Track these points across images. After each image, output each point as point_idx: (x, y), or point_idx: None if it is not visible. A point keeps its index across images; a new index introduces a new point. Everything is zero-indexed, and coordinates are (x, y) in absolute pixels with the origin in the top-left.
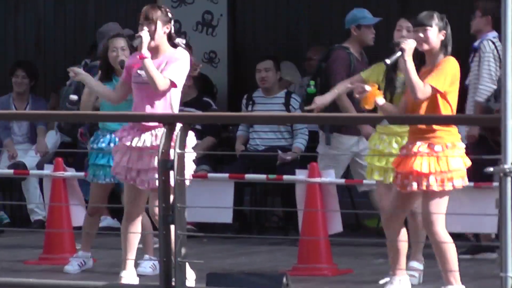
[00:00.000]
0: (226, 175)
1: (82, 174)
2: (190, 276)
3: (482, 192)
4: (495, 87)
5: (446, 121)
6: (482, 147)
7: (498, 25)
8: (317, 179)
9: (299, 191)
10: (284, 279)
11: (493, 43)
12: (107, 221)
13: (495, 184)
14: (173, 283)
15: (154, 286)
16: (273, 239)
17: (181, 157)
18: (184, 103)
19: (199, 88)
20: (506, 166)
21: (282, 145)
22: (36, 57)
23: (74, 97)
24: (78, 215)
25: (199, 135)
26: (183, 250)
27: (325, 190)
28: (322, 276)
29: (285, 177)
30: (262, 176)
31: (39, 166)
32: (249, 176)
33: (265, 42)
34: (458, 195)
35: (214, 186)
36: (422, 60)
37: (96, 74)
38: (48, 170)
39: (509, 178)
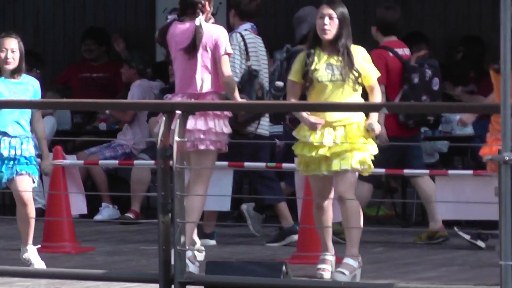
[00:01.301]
0: (226, 163)
1: (81, 162)
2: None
3: (482, 180)
4: (237, 79)
5: (446, 109)
6: None
7: (246, 17)
8: None
9: (298, 179)
10: (284, 268)
11: (242, 35)
12: (107, 210)
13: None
14: (172, 272)
15: (153, 275)
16: (272, 227)
17: (180, 145)
18: None
19: None
20: (505, 154)
21: (280, 132)
22: (34, 46)
23: (279, 83)
24: (77, 204)
25: None
26: (182, 239)
27: None
28: None
29: (285, 165)
30: (261, 164)
31: (38, 154)
32: (248, 164)
33: (264, 30)
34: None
35: (213, 174)
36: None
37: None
38: None
39: (508, 166)
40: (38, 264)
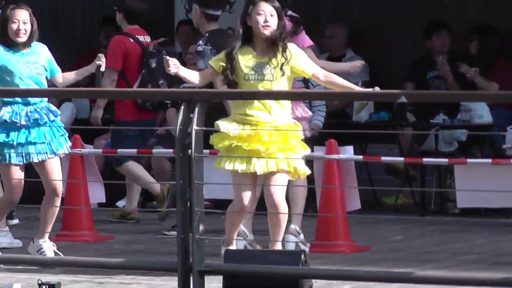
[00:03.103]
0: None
1: (99, 151)
2: None
3: (501, 168)
4: None
5: (465, 98)
6: None
7: None
8: (335, 156)
9: (317, 168)
10: (302, 256)
11: None
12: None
13: None
14: (191, 260)
15: (172, 263)
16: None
17: (199, 134)
18: None
19: None
20: None
21: None
22: (53, 32)
23: None
24: (96, 192)
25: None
26: (201, 227)
27: (343, 167)
28: (340, 253)
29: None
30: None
31: None
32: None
33: None
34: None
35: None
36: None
37: None
38: None
39: None
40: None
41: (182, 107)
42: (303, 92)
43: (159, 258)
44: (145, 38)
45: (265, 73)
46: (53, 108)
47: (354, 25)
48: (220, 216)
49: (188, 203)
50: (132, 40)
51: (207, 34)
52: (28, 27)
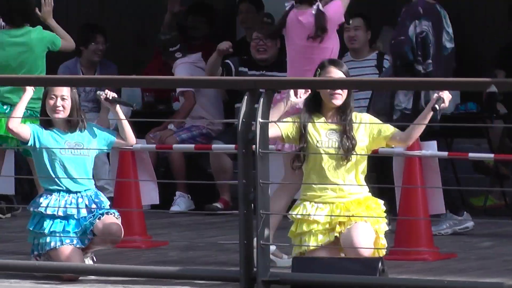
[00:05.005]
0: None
1: (153, 146)
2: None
3: None
4: None
5: None
6: None
7: None
8: (417, 152)
9: (397, 165)
10: (380, 265)
11: None
12: (183, 200)
13: None
14: (254, 269)
15: (234, 272)
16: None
17: (264, 127)
18: (265, 67)
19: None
20: None
21: None
22: (99, 16)
23: None
24: (148, 193)
25: None
26: (266, 232)
27: (425, 164)
28: (422, 261)
29: (381, 149)
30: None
31: None
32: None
33: None
34: None
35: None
36: None
37: None
38: None
39: None
40: None
41: (246, 97)
42: (384, 80)
43: (219, 266)
44: None
45: (338, 140)
46: (102, 197)
47: None
48: (287, 220)
49: (252, 205)
50: None
51: None
52: (68, 103)
